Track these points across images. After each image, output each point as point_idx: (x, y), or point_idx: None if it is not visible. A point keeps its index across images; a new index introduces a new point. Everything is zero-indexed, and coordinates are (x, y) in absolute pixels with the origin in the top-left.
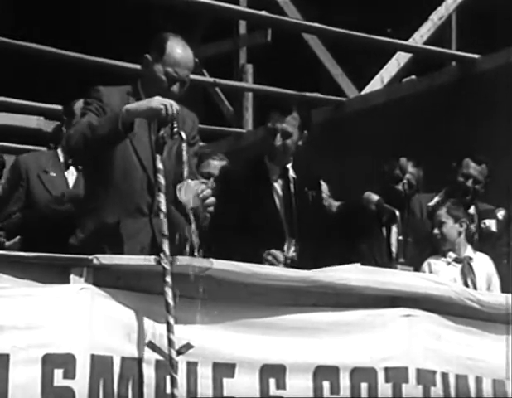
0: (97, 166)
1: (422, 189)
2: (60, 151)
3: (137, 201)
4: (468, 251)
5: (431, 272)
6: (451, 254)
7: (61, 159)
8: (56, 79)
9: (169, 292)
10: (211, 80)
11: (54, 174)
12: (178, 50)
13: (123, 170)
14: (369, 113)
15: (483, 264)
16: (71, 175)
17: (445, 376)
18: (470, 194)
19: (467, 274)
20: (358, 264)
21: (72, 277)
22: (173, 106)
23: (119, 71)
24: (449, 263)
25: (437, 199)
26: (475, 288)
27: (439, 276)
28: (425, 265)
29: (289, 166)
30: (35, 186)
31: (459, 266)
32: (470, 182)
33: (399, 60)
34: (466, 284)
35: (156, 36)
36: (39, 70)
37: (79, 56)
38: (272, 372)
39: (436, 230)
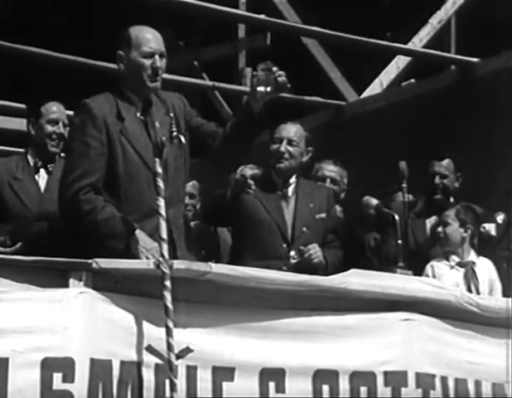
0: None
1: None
2: (29, 155)
3: (148, 203)
4: (471, 256)
5: (434, 275)
6: (455, 258)
7: (31, 163)
8: (54, 82)
9: (168, 296)
10: (210, 83)
11: (24, 179)
12: (142, 31)
13: (127, 174)
14: (369, 116)
15: (486, 269)
16: (42, 178)
17: (444, 379)
18: (440, 190)
19: (471, 279)
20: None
21: (71, 281)
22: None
23: (118, 75)
24: (452, 267)
25: (420, 205)
26: (478, 293)
27: (442, 280)
28: (428, 268)
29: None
30: (6, 194)
31: (462, 270)
32: (437, 179)
33: (399, 63)
34: (470, 289)
35: (118, 36)
36: (37, 73)
37: (78, 60)
38: (272, 376)
39: (440, 229)
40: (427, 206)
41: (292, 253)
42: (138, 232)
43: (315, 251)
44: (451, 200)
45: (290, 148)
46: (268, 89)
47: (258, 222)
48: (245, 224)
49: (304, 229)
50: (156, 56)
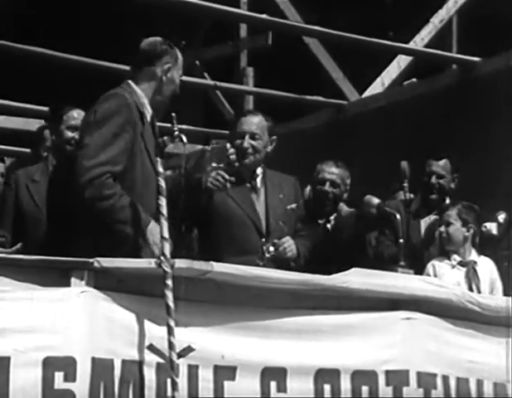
0: (120, 177)
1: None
2: (49, 159)
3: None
4: (473, 255)
5: (435, 274)
6: (456, 258)
7: (50, 167)
8: (58, 82)
9: (169, 295)
10: (212, 83)
11: (41, 182)
12: (181, 56)
13: (142, 177)
14: (370, 116)
15: (487, 269)
16: None
17: (446, 378)
18: (436, 190)
19: (472, 278)
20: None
21: (73, 280)
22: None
23: (120, 74)
24: (453, 266)
25: (416, 204)
26: (479, 292)
27: (443, 279)
28: (429, 267)
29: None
30: (22, 195)
31: (463, 270)
32: (433, 179)
33: (400, 63)
34: (471, 289)
35: (163, 43)
36: (40, 73)
37: (81, 60)
38: (273, 375)
39: (442, 229)
40: (423, 206)
41: (267, 247)
42: (151, 225)
43: (289, 244)
44: (447, 200)
45: (253, 143)
46: (221, 165)
47: (230, 216)
48: (215, 219)
49: (281, 223)
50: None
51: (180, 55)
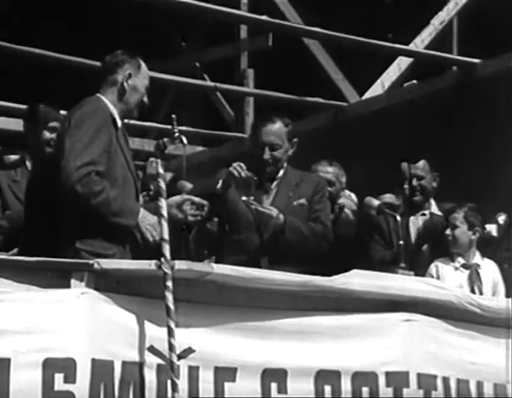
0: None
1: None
2: (27, 158)
3: None
4: (476, 258)
5: (438, 275)
6: (460, 260)
7: (29, 167)
8: (56, 83)
9: (170, 296)
10: (212, 84)
11: (22, 182)
12: (146, 66)
13: (123, 178)
14: (370, 117)
15: (490, 271)
16: None
17: (446, 380)
18: (418, 191)
19: (474, 281)
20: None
21: (73, 281)
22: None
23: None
24: (457, 268)
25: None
26: (481, 295)
27: (445, 280)
28: (432, 267)
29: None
30: (7, 195)
31: (466, 272)
32: (414, 181)
33: (400, 64)
34: (473, 291)
35: (124, 53)
36: (38, 74)
37: (79, 61)
38: (274, 376)
39: (448, 231)
40: (408, 209)
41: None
42: (142, 210)
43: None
44: (432, 200)
45: (274, 153)
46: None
47: (237, 216)
48: (227, 218)
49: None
50: (146, 95)
51: (144, 65)
